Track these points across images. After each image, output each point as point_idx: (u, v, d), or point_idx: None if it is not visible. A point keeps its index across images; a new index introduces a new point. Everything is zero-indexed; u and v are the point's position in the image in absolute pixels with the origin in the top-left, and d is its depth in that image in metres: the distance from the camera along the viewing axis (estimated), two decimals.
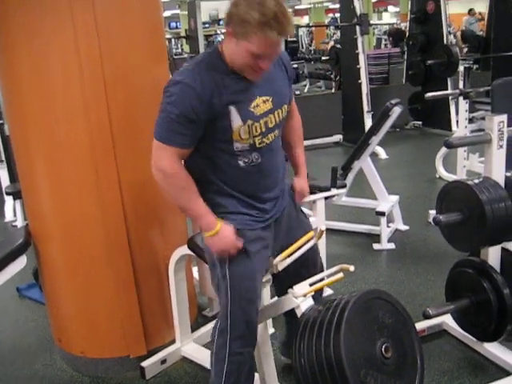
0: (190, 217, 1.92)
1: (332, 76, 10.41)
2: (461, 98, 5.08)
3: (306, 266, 2.13)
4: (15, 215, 5.02)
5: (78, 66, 2.27)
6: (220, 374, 1.98)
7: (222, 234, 1.87)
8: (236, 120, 1.79)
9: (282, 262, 1.99)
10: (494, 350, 2.56)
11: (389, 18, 23.43)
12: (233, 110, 1.79)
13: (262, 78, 1.82)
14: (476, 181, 2.32)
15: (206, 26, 16.24)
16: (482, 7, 12.61)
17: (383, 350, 1.70)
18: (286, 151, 2.16)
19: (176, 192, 1.86)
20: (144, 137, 2.45)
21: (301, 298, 1.94)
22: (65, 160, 2.40)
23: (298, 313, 1.94)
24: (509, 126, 2.31)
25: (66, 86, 2.33)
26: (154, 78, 2.50)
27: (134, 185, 2.49)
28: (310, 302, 1.96)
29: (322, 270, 2.20)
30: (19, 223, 4.76)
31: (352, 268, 1.88)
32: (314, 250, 2.15)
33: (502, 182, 2.32)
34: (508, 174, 2.37)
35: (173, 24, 20.71)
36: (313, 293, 1.97)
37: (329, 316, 1.73)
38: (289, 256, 1.97)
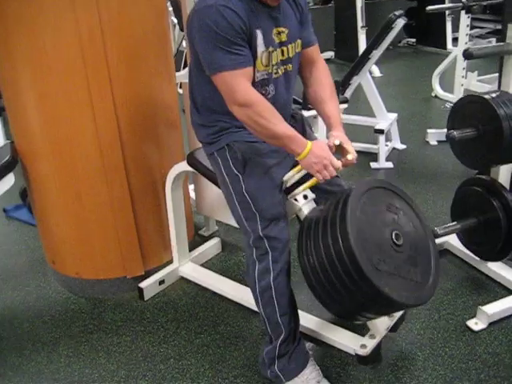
0: (281, 144, 1.76)
1: None
2: (462, 13, 4.86)
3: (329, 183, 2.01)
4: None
5: None
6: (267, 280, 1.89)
7: (316, 148, 1.74)
8: (260, 45, 1.75)
9: (291, 177, 1.88)
10: (497, 269, 2.53)
11: None
12: (259, 33, 1.74)
13: (278, 10, 1.80)
14: (493, 95, 2.19)
15: None
16: None
17: (393, 237, 1.67)
18: (315, 107, 2.01)
19: (264, 120, 1.71)
20: (137, 47, 2.29)
21: (302, 200, 1.89)
22: (53, 71, 2.19)
23: (302, 216, 1.89)
24: None
25: None
26: None
27: (128, 98, 2.31)
28: (312, 204, 1.91)
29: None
30: (0, 142, 4.54)
31: (350, 156, 1.79)
32: None
33: None
34: None
35: None
36: (312, 195, 1.92)
37: (332, 211, 1.68)
38: (299, 172, 1.86)
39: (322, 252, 1.66)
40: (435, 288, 1.74)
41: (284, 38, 1.83)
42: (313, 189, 1.94)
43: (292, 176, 1.89)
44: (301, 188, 1.88)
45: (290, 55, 1.88)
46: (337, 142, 1.81)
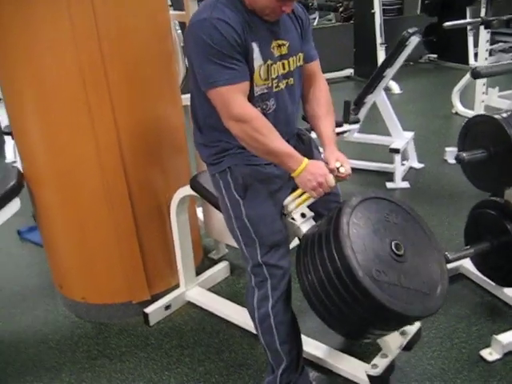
0: (277, 160, 1.74)
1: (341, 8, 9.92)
2: (482, 28, 4.76)
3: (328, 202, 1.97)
4: (16, 155, 4.87)
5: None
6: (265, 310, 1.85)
7: (312, 166, 1.72)
8: (258, 58, 1.71)
9: (292, 201, 1.83)
10: None
11: None
12: (256, 47, 1.70)
13: (277, 23, 1.76)
14: (504, 115, 2.12)
15: None
16: None
17: (393, 246, 1.61)
18: (310, 123, 1.97)
19: (260, 136, 1.68)
20: (139, 72, 2.28)
21: (300, 219, 1.84)
22: (55, 99, 2.20)
23: (300, 234, 1.84)
24: None
25: (54, 20, 2.10)
26: (150, 6, 2.29)
27: (131, 123, 2.30)
28: (311, 222, 1.86)
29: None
30: (19, 164, 4.60)
31: (342, 169, 1.75)
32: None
33: None
34: None
35: None
36: (310, 213, 1.85)
37: (326, 225, 1.64)
38: (300, 196, 1.82)
39: (319, 268, 1.62)
40: (444, 298, 1.65)
41: (285, 50, 1.79)
42: (313, 210, 1.90)
43: (292, 200, 1.84)
44: (294, 204, 1.83)
45: (292, 69, 1.83)
46: (337, 165, 1.77)
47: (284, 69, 1.81)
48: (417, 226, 1.76)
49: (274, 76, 1.77)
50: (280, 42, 1.78)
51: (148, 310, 2.52)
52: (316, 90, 1.95)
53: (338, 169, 1.76)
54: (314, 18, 11.90)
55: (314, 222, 1.86)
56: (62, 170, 2.32)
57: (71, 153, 2.28)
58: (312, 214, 1.86)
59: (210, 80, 1.66)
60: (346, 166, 1.78)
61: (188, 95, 2.81)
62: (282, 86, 1.81)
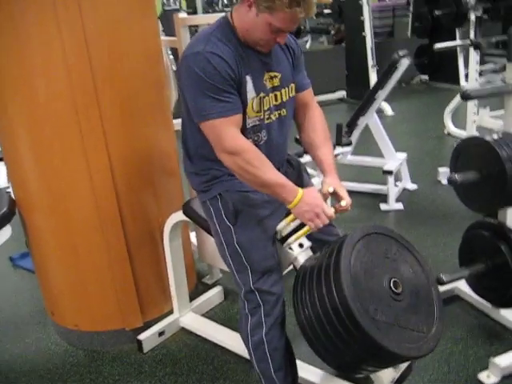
0: (271, 192, 1.72)
1: (333, 31, 10.04)
2: (471, 49, 4.82)
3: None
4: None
5: (55, 23, 2.05)
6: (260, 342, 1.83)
7: (308, 196, 1.69)
8: (250, 91, 1.73)
9: (286, 227, 1.82)
10: (510, 316, 2.41)
11: None
12: (249, 80, 1.72)
13: (269, 55, 1.78)
14: (495, 136, 2.13)
15: None
16: None
17: (392, 284, 1.59)
18: (309, 152, 1.97)
19: (253, 168, 1.67)
20: (131, 97, 2.28)
21: (297, 249, 1.82)
22: (47, 124, 2.20)
23: (298, 265, 1.82)
24: None
25: (45, 45, 2.10)
26: (141, 32, 2.30)
27: (123, 148, 2.30)
28: (308, 253, 1.84)
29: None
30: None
31: (343, 203, 1.75)
32: None
33: None
34: None
35: None
36: (308, 243, 1.83)
37: (326, 259, 1.62)
38: (292, 221, 1.81)
39: (316, 303, 1.60)
40: (439, 338, 1.64)
41: (277, 82, 1.81)
42: (309, 239, 1.88)
43: (285, 226, 1.83)
44: (293, 237, 1.81)
45: (284, 100, 1.84)
46: (330, 190, 1.76)
47: (276, 100, 1.82)
48: (415, 263, 1.74)
49: (266, 108, 1.78)
50: (272, 73, 1.79)
51: (141, 336, 2.49)
52: (311, 118, 1.95)
53: (339, 203, 1.75)
54: (307, 41, 12.04)
55: (311, 253, 1.84)
56: (54, 195, 2.31)
57: (63, 178, 2.27)
58: (310, 243, 1.85)
59: (203, 113, 1.67)
60: (345, 196, 1.76)
61: (179, 120, 2.84)
62: (274, 117, 1.83)
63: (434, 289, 1.72)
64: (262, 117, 1.79)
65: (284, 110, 1.86)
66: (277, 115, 1.84)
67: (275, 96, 1.80)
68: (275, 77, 1.80)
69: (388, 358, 1.61)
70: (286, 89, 1.84)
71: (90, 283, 2.44)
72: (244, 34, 1.69)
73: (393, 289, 1.59)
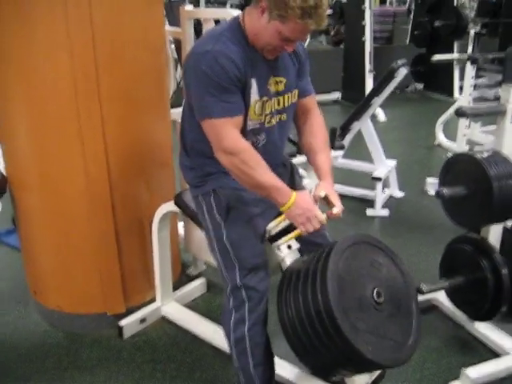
0: (265, 193, 1.74)
1: (332, 32, 10.08)
2: (468, 64, 4.87)
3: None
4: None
5: (63, 7, 2.05)
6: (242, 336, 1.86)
7: (300, 200, 1.72)
8: (254, 94, 1.75)
9: (275, 227, 1.85)
10: (484, 330, 2.47)
11: None
12: (254, 83, 1.74)
13: (276, 60, 1.80)
14: (485, 154, 2.18)
15: None
16: None
17: (375, 294, 1.63)
18: (307, 156, 1.99)
19: (250, 169, 1.70)
20: (132, 86, 2.30)
21: (285, 250, 1.85)
22: (46, 105, 2.20)
23: (284, 266, 1.85)
24: None
25: (50, 29, 2.10)
26: (147, 21, 2.31)
27: (119, 135, 2.31)
28: (296, 254, 1.87)
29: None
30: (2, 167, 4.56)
31: (335, 210, 1.77)
32: None
33: None
34: None
35: None
36: (296, 245, 1.87)
37: (314, 264, 1.66)
38: (283, 221, 1.84)
39: (300, 305, 1.64)
40: (415, 349, 1.69)
41: (281, 87, 1.83)
42: (297, 239, 1.92)
43: (276, 225, 1.86)
44: (283, 239, 1.85)
45: (286, 105, 1.87)
46: (322, 194, 1.79)
47: (279, 105, 1.85)
48: (398, 274, 1.78)
49: (267, 112, 1.81)
50: (278, 78, 1.81)
51: (123, 322, 2.51)
52: (313, 124, 1.98)
53: (331, 209, 1.78)
54: (305, 40, 12.04)
55: (299, 254, 1.88)
56: (47, 176, 2.32)
57: (57, 160, 2.28)
58: (298, 245, 1.88)
59: (206, 111, 1.69)
60: (337, 203, 1.78)
61: (176, 109, 2.85)
62: (274, 121, 1.86)
63: (413, 301, 1.77)
64: (262, 120, 1.82)
65: (285, 115, 1.89)
66: (277, 119, 1.87)
67: (278, 101, 1.83)
68: (280, 82, 1.83)
69: (364, 365, 1.65)
70: (289, 94, 1.87)
71: (75, 265, 2.46)
72: (252, 37, 1.71)
73: (375, 298, 1.63)
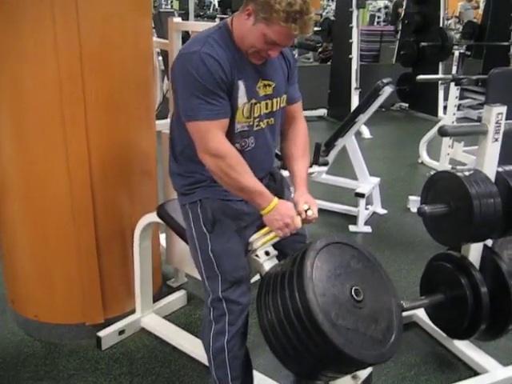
0: (247, 197, 1.78)
1: (320, 49, 10.17)
2: (452, 84, 4.96)
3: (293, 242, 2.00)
4: None
5: (50, 11, 2.06)
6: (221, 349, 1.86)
7: (282, 206, 1.76)
8: (242, 96, 1.76)
9: (259, 239, 1.86)
10: (463, 348, 2.49)
11: None
12: (241, 85, 1.75)
13: (265, 63, 1.80)
14: (466, 173, 2.20)
15: None
16: None
17: (353, 292, 1.64)
18: (285, 162, 2.01)
19: (234, 173, 1.72)
20: (118, 94, 2.30)
21: (263, 256, 1.87)
22: (31, 110, 2.20)
23: (263, 272, 1.86)
24: (506, 119, 2.19)
25: (37, 35, 2.11)
26: (135, 30, 2.32)
27: (104, 143, 2.31)
28: (274, 261, 1.88)
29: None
30: None
31: (310, 212, 1.80)
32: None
33: (492, 177, 2.21)
34: (500, 169, 2.25)
35: None
36: (274, 252, 1.89)
37: (290, 266, 1.67)
38: (265, 234, 1.85)
39: (279, 307, 1.64)
40: (398, 346, 1.68)
41: (270, 91, 1.84)
42: (276, 246, 1.93)
43: (258, 237, 1.87)
44: (259, 243, 1.86)
45: (274, 109, 1.88)
46: (305, 207, 1.80)
47: (267, 108, 1.85)
48: (376, 274, 1.80)
49: (256, 115, 1.82)
50: (266, 82, 1.82)
51: (101, 333, 2.48)
52: (295, 130, 1.99)
53: (305, 211, 1.80)
54: (289, 45, 12.10)
55: (277, 261, 1.88)
56: (30, 181, 2.31)
57: (41, 166, 2.27)
58: (276, 252, 1.90)
59: (191, 113, 1.70)
60: (313, 209, 1.82)
61: (162, 121, 2.86)
62: (263, 125, 1.86)
63: (393, 298, 1.77)
64: (251, 123, 1.82)
65: (273, 119, 1.89)
66: (266, 123, 1.87)
67: (266, 104, 1.84)
68: (269, 85, 1.83)
69: (347, 363, 1.64)
70: (278, 98, 1.88)
71: (55, 274, 2.43)
72: (239, 40, 1.73)
73: (354, 296, 1.64)
